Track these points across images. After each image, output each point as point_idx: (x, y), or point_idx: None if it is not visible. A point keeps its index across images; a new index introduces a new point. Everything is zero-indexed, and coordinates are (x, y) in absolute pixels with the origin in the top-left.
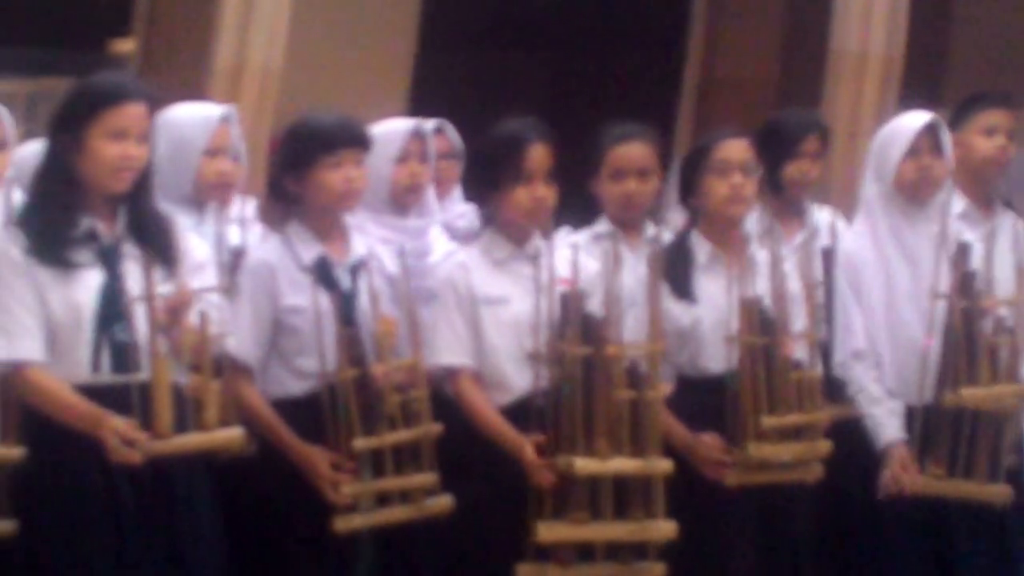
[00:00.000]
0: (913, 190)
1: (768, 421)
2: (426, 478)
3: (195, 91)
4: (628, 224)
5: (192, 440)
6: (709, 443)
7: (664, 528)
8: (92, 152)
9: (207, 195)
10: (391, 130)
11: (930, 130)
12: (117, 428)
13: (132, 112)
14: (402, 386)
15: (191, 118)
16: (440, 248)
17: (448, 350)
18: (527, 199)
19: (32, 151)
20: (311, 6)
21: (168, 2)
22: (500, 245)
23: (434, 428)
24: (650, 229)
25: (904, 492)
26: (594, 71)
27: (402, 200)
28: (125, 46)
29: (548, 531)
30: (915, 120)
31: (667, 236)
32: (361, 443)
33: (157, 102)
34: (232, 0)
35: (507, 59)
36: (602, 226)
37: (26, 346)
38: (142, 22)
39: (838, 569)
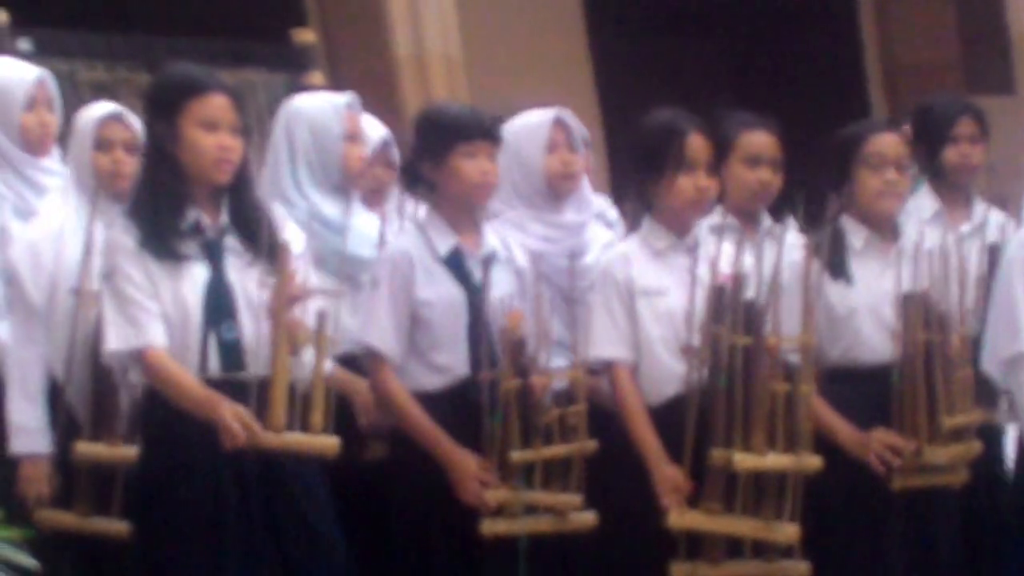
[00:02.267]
0: None
1: (949, 422)
2: (573, 499)
3: (380, 80)
4: (750, 215)
5: (296, 439)
6: (886, 440)
7: (789, 531)
8: (189, 142)
9: (353, 183)
10: (533, 122)
11: None
12: (235, 412)
13: (217, 102)
14: (560, 399)
15: (322, 106)
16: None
17: (608, 342)
18: (691, 188)
19: None
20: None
21: None
22: (660, 235)
23: (590, 444)
24: (766, 221)
25: None
26: (772, 58)
27: (558, 189)
28: (307, 36)
29: (679, 518)
30: None
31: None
32: (518, 455)
33: (238, 97)
34: None
35: (686, 46)
36: (717, 216)
37: (151, 332)
38: (315, 13)
39: None
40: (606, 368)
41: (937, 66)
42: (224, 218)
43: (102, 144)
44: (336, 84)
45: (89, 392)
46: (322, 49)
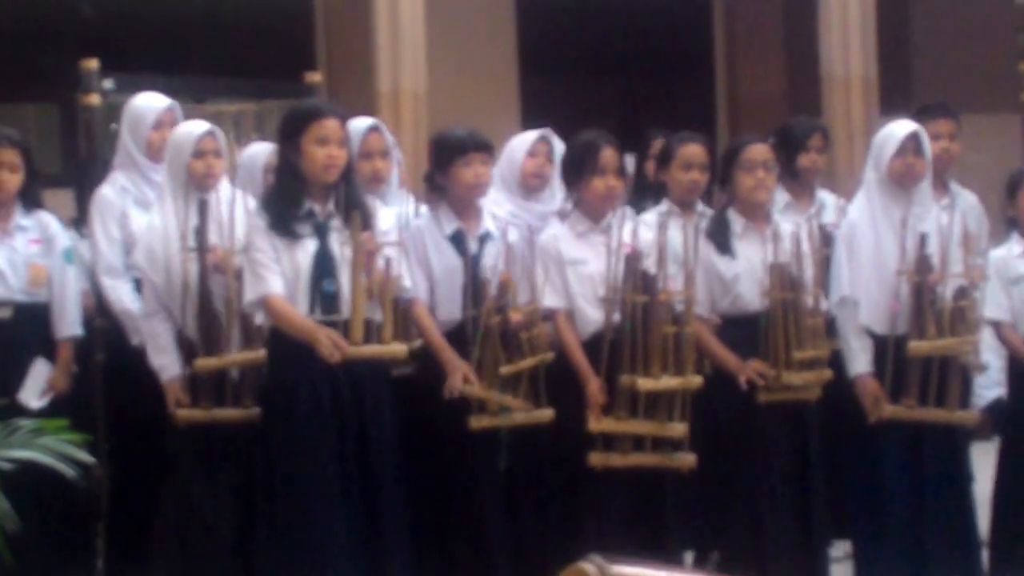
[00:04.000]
0: (899, 180)
1: (798, 355)
2: (678, 427)
3: (366, 112)
4: (687, 205)
5: (374, 349)
6: (756, 367)
7: (678, 429)
8: (307, 155)
9: (367, 188)
10: (525, 137)
11: (914, 136)
12: (329, 335)
13: (330, 125)
14: (529, 321)
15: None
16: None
17: (551, 296)
18: (603, 187)
19: (252, 152)
20: (438, 45)
21: (338, 41)
22: (581, 221)
23: (549, 355)
24: (699, 208)
25: (883, 417)
26: (651, 93)
27: (529, 184)
28: (315, 77)
29: (596, 423)
30: (902, 128)
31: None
32: (506, 369)
33: (347, 118)
34: (382, 39)
35: (588, 85)
36: (664, 206)
37: (273, 284)
38: (323, 57)
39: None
40: (552, 314)
41: (768, 99)
42: (331, 206)
43: (198, 153)
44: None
45: (200, 328)
46: (325, 85)
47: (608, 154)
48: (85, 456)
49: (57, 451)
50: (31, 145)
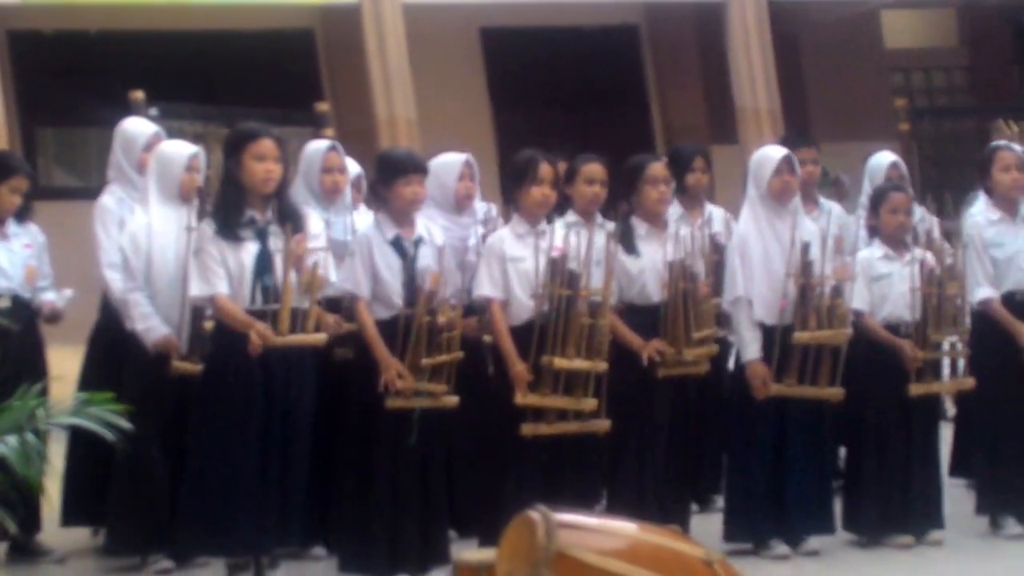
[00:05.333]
0: (778, 196)
1: (696, 334)
2: (591, 402)
3: (367, 134)
4: (589, 215)
5: (298, 337)
6: (657, 346)
7: (591, 403)
8: (247, 169)
9: (326, 198)
10: (454, 160)
11: (787, 159)
12: (259, 329)
13: (266, 144)
14: (451, 324)
15: (312, 151)
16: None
17: (489, 287)
18: (539, 196)
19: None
20: (421, 78)
21: (339, 74)
22: (521, 225)
23: (460, 355)
24: (599, 219)
25: (763, 394)
26: (600, 120)
27: (461, 204)
28: (324, 107)
29: (523, 398)
30: (776, 152)
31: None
32: (427, 361)
33: (281, 138)
34: (375, 72)
35: (547, 116)
36: (571, 217)
37: (218, 284)
38: (327, 88)
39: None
40: (487, 302)
41: (694, 126)
42: (269, 214)
43: (189, 168)
44: (341, 136)
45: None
46: (333, 113)
47: (544, 168)
48: (125, 424)
49: (101, 419)
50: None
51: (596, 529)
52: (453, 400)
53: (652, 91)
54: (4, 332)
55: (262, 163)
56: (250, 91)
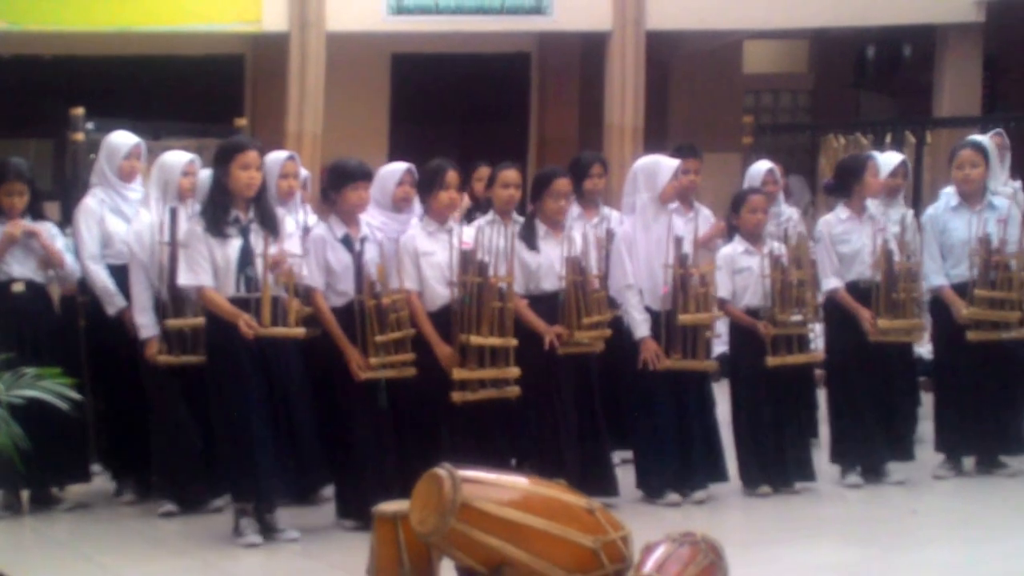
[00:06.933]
0: (669, 200)
1: (587, 320)
2: (514, 370)
3: (278, 146)
4: (506, 214)
5: (278, 330)
6: (556, 330)
7: (512, 371)
8: (234, 176)
9: (282, 200)
10: (395, 168)
11: (679, 167)
12: (245, 319)
13: (251, 155)
14: (396, 305)
15: (272, 160)
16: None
17: (406, 280)
18: (447, 199)
19: (203, 175)
20: (332, 98)
21: (261, 94)
22: (431, 224)
23: (411, 331)
24: (514, 216)
25: (658, 366)
26: (485, 134)
27: (399, 206)
28: (242, 121)
29: (458, 373)
30: (672, 162)
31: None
32: (380, 338)
33: (263, 150)
34: (293, 93)
35: (438, 129)
36: (490, 216)
37: (204, 277)
38: (249, 106)
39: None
40: (408, 294)
41: (565, 140)
42: (250, 214)
43: (185, 173)
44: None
45: (170, 295)
46: (250, 128)
47: (451, 175)
48: (74, 394)
49: (54, 391)
50: (33, 172)
51: (495, 483)
52: (411, 371)
53: (534, 109)
54: (21, 313)
55: (247, 171)
56: (180, 108)
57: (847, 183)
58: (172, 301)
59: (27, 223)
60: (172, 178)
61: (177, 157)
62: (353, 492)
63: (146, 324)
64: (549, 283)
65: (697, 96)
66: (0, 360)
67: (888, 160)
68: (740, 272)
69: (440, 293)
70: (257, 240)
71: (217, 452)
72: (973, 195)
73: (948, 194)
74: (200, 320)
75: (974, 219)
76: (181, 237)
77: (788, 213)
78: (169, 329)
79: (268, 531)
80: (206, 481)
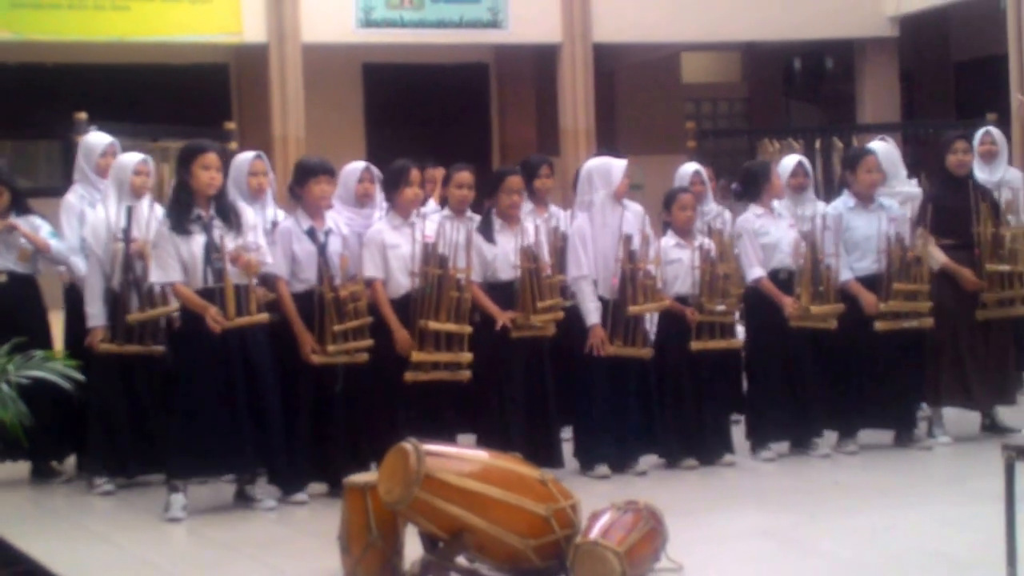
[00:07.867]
0: (620, 197)
1: (540, 304)
2: (467, 355)
3: (266, 148)
4: (460, 212)
5: (242, 320)
6: (509, 315)
7: (465, 356)
8: (196, 176)
9: (252, 196)
10: (355, 167)
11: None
12: (212, 314)
13: (211, 156)
14: (354, 296)
15: (241, 159)
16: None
17: (372, 270)
18: (411, 195)
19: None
20: (312, 104)
21: (247, 99)
22: (396, 219)
23: (368, 319)
24: (469, 213)
25: (603, 352)
26: (444, 139)
27: (361, 201)
28: (231, 125)
29: (417, 355)
30: (621, 162)
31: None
32: (338, 327)
33: (223, 151)
34: (275, 99)
35: (408, 133)
36: (446, 212)
37: (174, 274)
38: (236, 111)
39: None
40: (371, 282)
41: (525, 143)
42: (212, 211)
43: (136, 172)
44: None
45: (122, 288)
46: (238, 131)
47: (414, 173)
48: (79, 376)
49: (60, 372)
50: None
51: (456, 456)
52: (364, 356)
53: (494, 114)
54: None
55: (207, 172)
56: (172, 113)
57: (756, 187)
58: (123, 293)
59: (11, 220)
60: (125, 176)
61: (130, 157)
62: (289, 469)
63: (94, 315)
64: (505, 273)
65: (641, 103)
66: (8, 344)
67: (787, 163)
68: (671, 263)
69: (402, 282)
70: (219, 235)
71: (167, 431)
72: (872, 196)
73: (844, 196)
74: (157, 312)
75: (873, 217)
76: (152, 238)
77: (717, 211)
78: (128, 322)
79: (247, 500)
80: (137, 458)
